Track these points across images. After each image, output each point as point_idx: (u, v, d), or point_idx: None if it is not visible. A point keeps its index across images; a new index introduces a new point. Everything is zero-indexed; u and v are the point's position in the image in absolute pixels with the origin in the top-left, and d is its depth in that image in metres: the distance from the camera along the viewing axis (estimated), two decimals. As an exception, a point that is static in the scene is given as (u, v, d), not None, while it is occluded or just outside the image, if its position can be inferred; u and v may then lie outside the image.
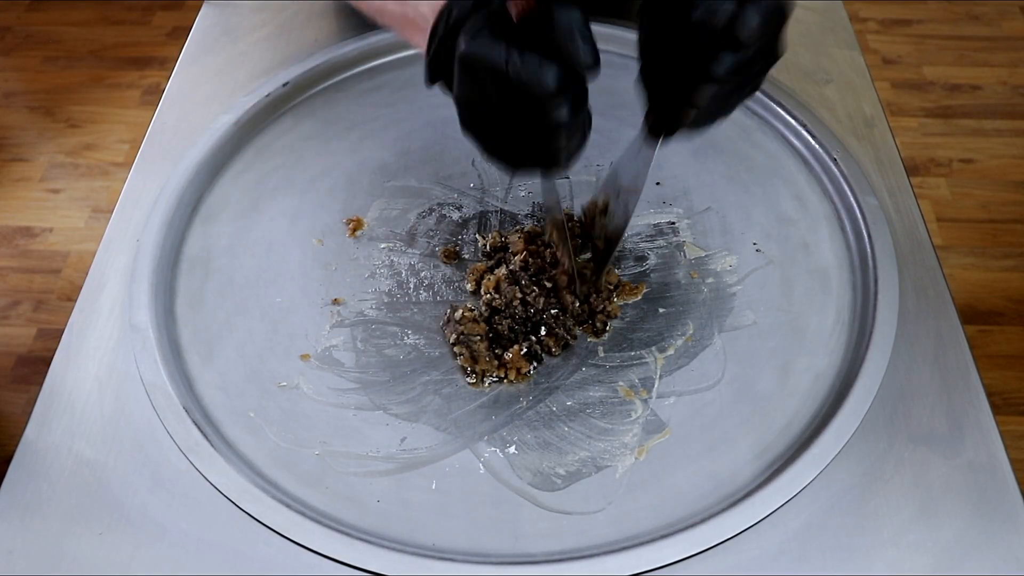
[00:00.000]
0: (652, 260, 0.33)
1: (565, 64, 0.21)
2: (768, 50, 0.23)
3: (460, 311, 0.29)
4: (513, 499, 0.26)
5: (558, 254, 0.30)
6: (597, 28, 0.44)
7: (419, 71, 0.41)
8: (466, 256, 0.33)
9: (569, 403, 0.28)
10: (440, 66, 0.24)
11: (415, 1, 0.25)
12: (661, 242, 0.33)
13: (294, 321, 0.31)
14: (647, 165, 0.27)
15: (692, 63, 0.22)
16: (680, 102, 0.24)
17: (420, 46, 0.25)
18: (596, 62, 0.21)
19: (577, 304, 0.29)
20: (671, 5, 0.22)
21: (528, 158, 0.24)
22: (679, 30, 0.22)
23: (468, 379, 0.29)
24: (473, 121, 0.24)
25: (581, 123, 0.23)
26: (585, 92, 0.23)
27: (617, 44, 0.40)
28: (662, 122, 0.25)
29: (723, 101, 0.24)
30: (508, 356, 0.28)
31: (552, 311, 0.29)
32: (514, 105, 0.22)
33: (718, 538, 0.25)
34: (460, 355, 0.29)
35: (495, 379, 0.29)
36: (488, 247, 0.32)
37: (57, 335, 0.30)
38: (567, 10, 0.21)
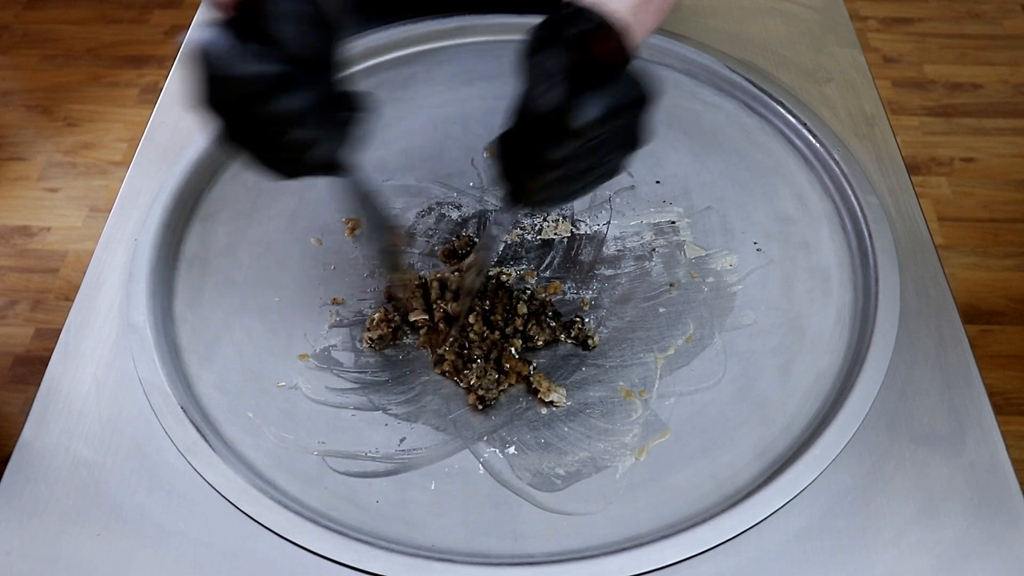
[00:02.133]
0: (652, 259, 0.33)
1: (279, 52, 0.19)
2: (620, 139, 0.22)
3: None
4: (513, 500, 0.26)
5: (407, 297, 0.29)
6: None
7: (418, 70, 0.41)
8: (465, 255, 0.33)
9: (569, 403, 0.28)
10: None
11: None
12: (661, 241, 0.33)
13: (293, 321, 0.31)
14: (502, 228, 0.27)
15: (531, 145, 0.22)
16: (524, 179, 0.23)
17: None
18: (308, 49, 0.19)
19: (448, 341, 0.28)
20: (522, 84, 0.21)
21: (285, 162, 0.22)
22: (522, 111, 0.22)
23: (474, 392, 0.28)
24: (225, 129, 0.21)
25: (327, 118, 0.21)
26: (328, 84, 0.21)
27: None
28: (513, 193, 0.24)
29: (569, 184, 0.23)
30: (506, 365, 0.28)
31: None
32: (234, 99, 0.20)
33: (719, 539, 0.24)
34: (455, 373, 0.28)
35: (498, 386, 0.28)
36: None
37: (55, 335, 0.30)
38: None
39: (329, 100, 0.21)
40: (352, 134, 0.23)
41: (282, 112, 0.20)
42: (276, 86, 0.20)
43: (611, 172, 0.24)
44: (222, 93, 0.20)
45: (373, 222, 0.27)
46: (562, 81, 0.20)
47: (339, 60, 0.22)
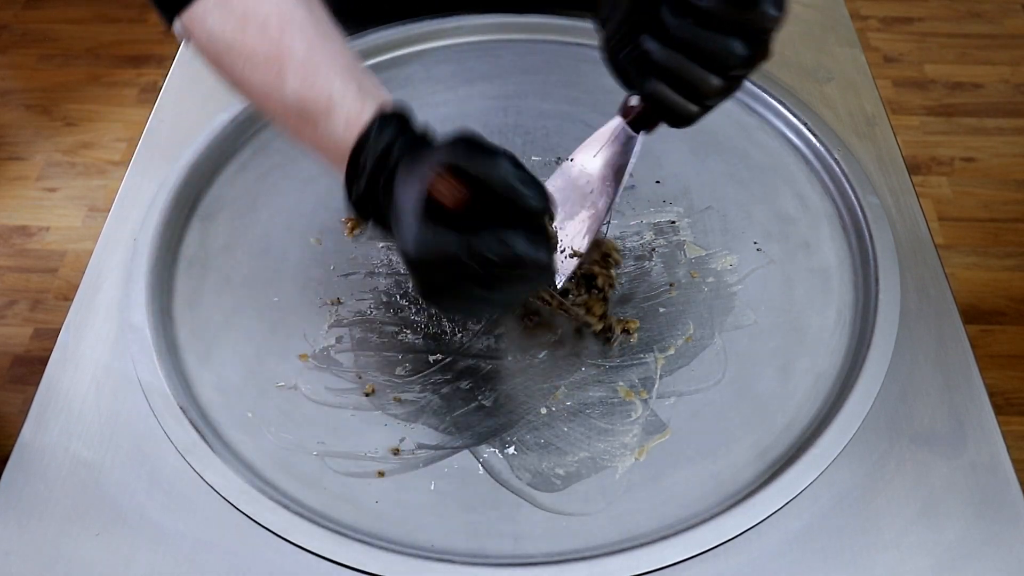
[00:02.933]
0: (652, 259, 0.33)
1: (523, 223, 0.20)
2: (769, 45, 0.22)
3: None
4: (512, 500, 0.26)
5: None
6: (584, 24, 0.43)
7: (418, 70, 0.41)
8: None
9: (568, 403, 0.28)
10: (368, 211, 0.23)
11: (324, 139, 0.23)
12: (661, 241, 0.33)
13: (292, 321, 0.31)
14: (628, 161, 0.25)
15: (707, 52, 0.20)
16: (687, 94, 0.22)
17: (327, 163, 0.23)
18: (547, 202, 0.20)
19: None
20: None
21: (515, 303, 0.23)
22: (689, 14, 0.20)
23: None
24: (440, 299, 0.22)
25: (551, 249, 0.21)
26: (544, 228, 0.21)
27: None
28: (654, 115, 0.23)
29: (721, 95, 0.22)
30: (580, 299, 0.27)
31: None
32: (489, 280, 0.20)
33: (719, 539, 0.24)
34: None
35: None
36: None
37: (54, 335, 0.30)
38: (496, 168, 0.19)
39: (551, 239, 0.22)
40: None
41: (541, 270, 0.21)
42: (527, 254, 0.20)
43: (740, 86, 0.22)
44: (468, 275, 0.20)
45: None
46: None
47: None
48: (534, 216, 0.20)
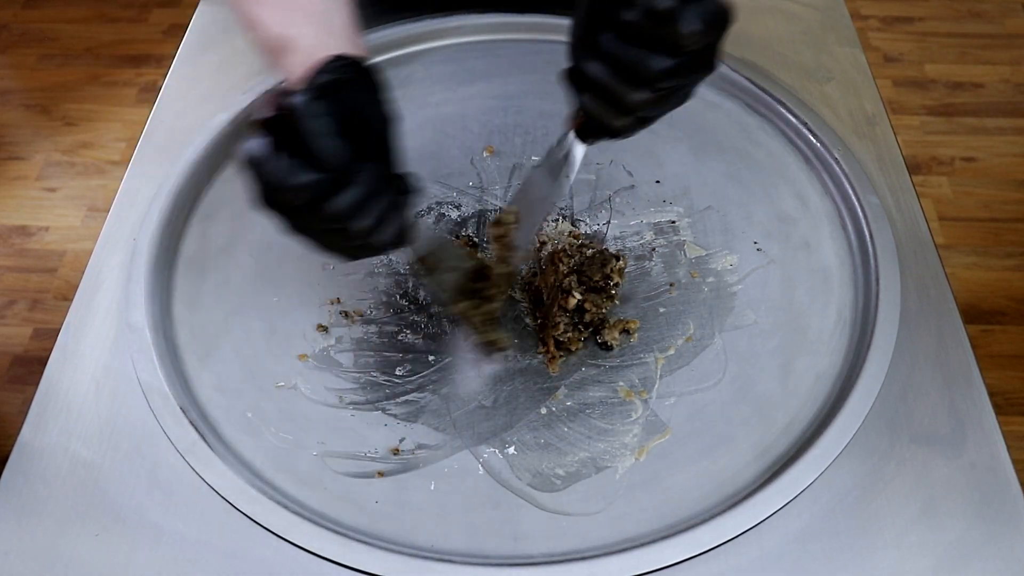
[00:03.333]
0: (652, 259, 0.33)
1: (319, 164, 0.20)
2: (706, 58, 0.21)
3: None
4: (512, 500, 0.26)
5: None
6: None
7: (417, 69, 0.41)
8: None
9: (569, 403, 0.28)
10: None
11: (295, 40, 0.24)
12: (661, 241, 0.33)
13: (292, 321, 0.31)
14: (571, 171, 0.25)
15: (627, 66, 0.21)
16: (613, 107, 0.22)
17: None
18: (341, 153, 0.20)
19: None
20: (607, 2, 0.21)
21: (351, 249, 0.23)
22: (615, 29, 0.21)
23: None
24: (288, 225, 0.22)
25: (386, 205, 0.22)
26: (378, 175, 0.21)
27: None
28: (591, 127, 0.23)
29: (663, 105, 0.22)
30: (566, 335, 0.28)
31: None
32: (285, 203, 0.21)
33: (719, 539, 0.24)
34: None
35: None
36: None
37: (53, 335, 0.30)
38: (309, 105, 0.20)
39: (380, 186, 0.22)
40: (407, 212, 0.23)
41: (334, 212, 0.21)
42: (325, 190, 0.21)
43: (686, 98, 0.22)
44: (276, 199, 0.21)
45: (450, 258, 0.27)
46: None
47: (391, 145, 0.22)
48: (323, 159, 0.20)
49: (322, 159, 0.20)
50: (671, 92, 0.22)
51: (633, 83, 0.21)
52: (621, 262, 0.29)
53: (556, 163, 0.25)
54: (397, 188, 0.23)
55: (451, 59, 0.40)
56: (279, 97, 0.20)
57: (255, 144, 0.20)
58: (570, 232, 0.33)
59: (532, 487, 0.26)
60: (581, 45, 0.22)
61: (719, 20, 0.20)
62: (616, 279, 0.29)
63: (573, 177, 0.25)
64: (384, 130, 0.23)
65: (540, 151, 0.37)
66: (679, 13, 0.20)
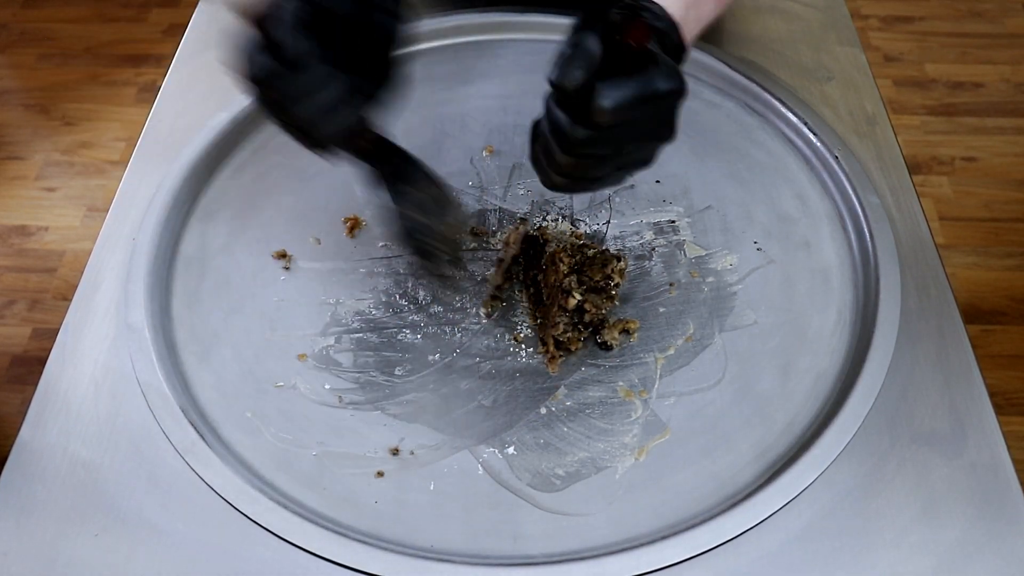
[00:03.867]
0: (652, 259, 0.33)
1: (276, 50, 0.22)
2: (649, 129, 0.22)
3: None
4: (512, 500, 0.26)
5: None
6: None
7: (417, 69, 0.41)
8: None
9: (568, 403, 0.28)
10: None
11: None
12: (661, 241, 0.33)
13: (291, 321, 0.31)
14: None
15: (553, 127, 0.22)
16: (548, 164, 0.23)
17: None
18: (300, 50, 0.22)
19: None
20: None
21: (305, 134, 0.25)
22: (552, 95, 0.22)
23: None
24: (260, 104, 0.24)
25: (338, 72, 0.23)
26: (326, 67, 0.23)
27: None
28: (541, 177, 0.24)
29: (594, 169, 0.23)
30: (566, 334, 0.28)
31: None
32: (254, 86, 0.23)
33: (719, 539, 0.24)
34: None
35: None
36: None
37: (52, 335, 0.30)
38: (275, 8, 0.22)
39: (327, 80, 0.23)
40: (356, 112, 0.25)
41: (278, 96, 0.23)
42: (279, 77, 0.23)
43: (642, 162, 0.23)
44: (249, 83, 0.24)
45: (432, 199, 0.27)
46: (587, 60, 0.20)
47: (367, 51, 0.24)
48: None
49: (278, 47, 0.22)
50: (605, 157, 0.22)
51: (560, 145, 0.22)
52: (622, 263, 0.29)
53: None
54: (357, 88, 0.24)
55: (451, 59, 0.40)
56: None
57: (243, 37, 0.23)
58: (571, 232, 0.33)
59: (532, 487, 0.26)
60: (536, 120, 0.24)
61: (639, 100, 0.21)
62: (617, 279, 0.29)
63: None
64: (360, 36, 0.24)
65: (540, 151, 0.37)
66: (596, 89, 0.20)
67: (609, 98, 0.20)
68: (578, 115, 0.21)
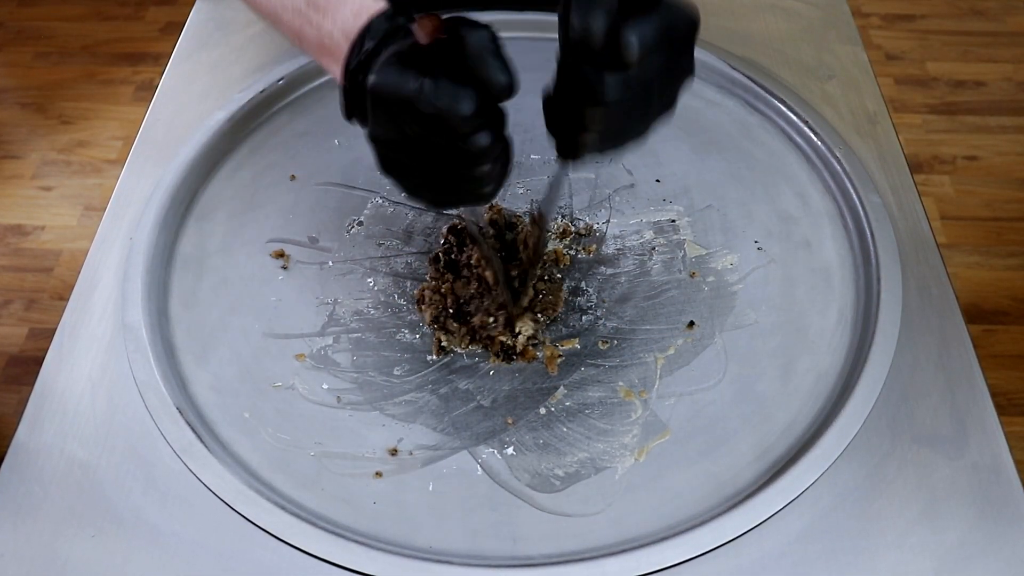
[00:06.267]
0: (652, 259, 0.32)
1: (480, 89, 0.20)
2: (671, 67, 0.22)
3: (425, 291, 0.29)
4: (511, 501, 0.26)
5: (486, 274, 0.29)
6: None
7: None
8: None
9: (568, 404, 0.28)
10: (354, 101, 0.23)
11: (330, 27, 0.24)
12: (661, 240, 0.33)
13: (289, 320, 0.31)
14: (557, 189, 0.27)
15: (579, 85, 0.21)
16: (575, 126, 0.22)
17: (336, 75, 0.24)
18: (511, 83, 0.20)
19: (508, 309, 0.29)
20: (562, 24, 0.21)
21: (453, 193, 0.23)
22: (568, 53, 0.21)
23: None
24: (391, 160, 0.23)
25: (502, 150, 0.22)
26: (503, 117, 0.22)
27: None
28: (564, 147, 0.24)
29: (624, 121, 0.22)
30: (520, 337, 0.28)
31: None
32: (431, 136, 0.21)
33: (719, 540, 0.24)
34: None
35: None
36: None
37: (49, 335, 0.30)
38: (477, 32, 0.20)
39: (503, 135, 0.22)
40: (509, 168, 0.24)
41: (481, 149, 0.21)
42: (474, 121, 0.21)
43: (667, 106, 0.23)
44: (420, 129, 0.21)
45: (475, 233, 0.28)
46: (606, 4, 0.20)
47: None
48: (493, 86, 0.20)
49: (492, 85, 0.20)
50: (639, 103, 0.22)
51: (589, 99, 0.21)
52: (530, 227, 0.29)
53: (551, 180, 0.27)
54: (507, 141, 0.23)
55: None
56: (431, 22, 0.20)
57: (397, 68, 0.20)
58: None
59: (531, 488, 0.26)
60: (549, 89, 0.23)
61: (670, 33, 0.20)
62: (529, 244, 0.29)
63: (559, 193, 0.26)
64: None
65: (540, 149, 0.37)
66: (621, 31, 0.20)
67: (636, 35, 0.20)
68: (604, 67, 0.20)
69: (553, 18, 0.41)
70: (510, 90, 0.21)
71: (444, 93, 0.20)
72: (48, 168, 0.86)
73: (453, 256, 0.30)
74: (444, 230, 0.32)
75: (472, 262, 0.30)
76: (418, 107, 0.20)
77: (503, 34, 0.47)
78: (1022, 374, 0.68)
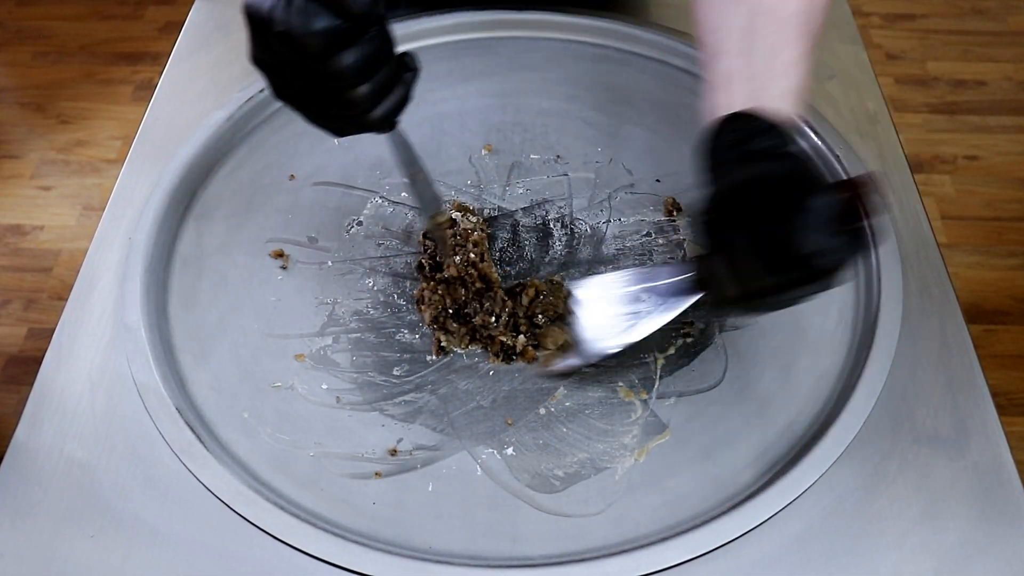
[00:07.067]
0: (652, 258, 0.32)
1: (338, 8, 0.20)
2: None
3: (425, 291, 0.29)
4: (511, 501, 0.26)
5: (439, 257, 0.29)
6: (596, 23, 0.42)
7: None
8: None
9: (568, 404, 0.28)
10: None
11: None
12: (661, 240, 0.33)
13: (288, 321, 0.31)
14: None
15: (756, 265, 0.21)
16: (740, 292, 0.22)
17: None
18: (369, 2, 0.20)
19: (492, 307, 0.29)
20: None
21: (340, 119, 0.23)
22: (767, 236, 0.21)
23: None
24: (278, 86, 0.22)
25: (389, 74, 0.22)
26: (382, 38, 0.21)
27: (616, 39, 0.39)
28: (713, 301, 0.24)
29: (777, 306, 0.23)
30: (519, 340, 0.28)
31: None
32: (294, 56, 0.20)
33: (719, 541, 0.24)
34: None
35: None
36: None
37: (48, 335, 0.30)
38: None
39: (387, 51, 0.22)
40: (406, 93, 0.23)
41: (346, 68, 0.21)
42: (340, 43, 0.20)
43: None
44: (284, 50, 0.21)
45: (423, 183, 0.27)
46: (830, 227, 0.20)
47: (387, 18, 0.22)
48: (350, 5, 0.20)
49: (344, 4, 0.20)
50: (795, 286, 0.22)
51: (771, 268, 0.21)
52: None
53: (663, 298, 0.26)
54: (400, 63, 0.22)
55: (449, 57, 0.40)
56: None
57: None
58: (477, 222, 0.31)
59: (531, 488, 0.26)
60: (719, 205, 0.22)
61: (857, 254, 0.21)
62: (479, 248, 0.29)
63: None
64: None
65: (539, 149, 0.37)
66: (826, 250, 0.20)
67: (837, 259, 0.20)
68: (780, 261, 0.21)
69: (553, 18, 0.41)
70: (368, 9, 0.20)
71: (296, 11, 0.20)
72: (47, 168, 0.86)
73: (438, 259, 0.30)
74: (420, 236, 0.31)
75: (459, 262, 0.29)
76: (272, 26, 0.20)
77: (502, 33, 0.46)
78: (1023, 374, 0.68)
